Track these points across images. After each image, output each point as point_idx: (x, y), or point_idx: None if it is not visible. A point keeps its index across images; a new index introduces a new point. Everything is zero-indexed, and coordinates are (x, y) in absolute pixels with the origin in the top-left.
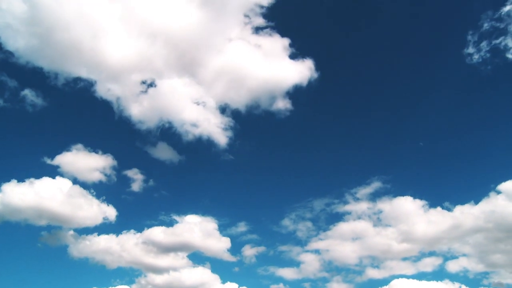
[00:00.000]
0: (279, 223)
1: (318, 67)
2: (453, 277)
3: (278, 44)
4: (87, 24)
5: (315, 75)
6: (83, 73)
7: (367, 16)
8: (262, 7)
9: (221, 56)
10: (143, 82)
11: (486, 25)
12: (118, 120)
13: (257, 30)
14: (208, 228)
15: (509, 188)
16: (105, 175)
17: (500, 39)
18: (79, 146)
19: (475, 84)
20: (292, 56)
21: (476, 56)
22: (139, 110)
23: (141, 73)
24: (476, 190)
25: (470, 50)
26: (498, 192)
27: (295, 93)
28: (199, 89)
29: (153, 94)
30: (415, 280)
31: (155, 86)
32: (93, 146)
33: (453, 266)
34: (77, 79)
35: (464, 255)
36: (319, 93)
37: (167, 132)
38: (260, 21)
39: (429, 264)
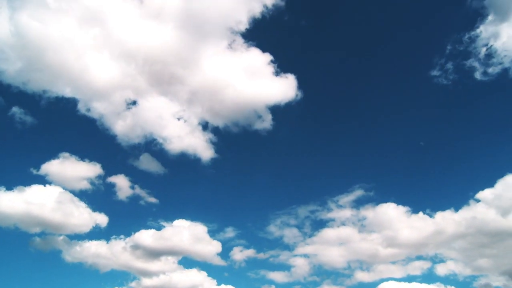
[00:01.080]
0: (265, 229)
1: (300, 83)
2: (442, 280)
3: (259, 61)
4: (71, 47)
5: (297, 91)
6: (69, 93)
7: (344, 37)
8: (242, 24)
9: (202, 73)
10: (126, 101)
11: (450, 48)
12: (103, 136)
13: (238, 47)
14: (198, 232)
15: (487, 197)
16: (93, 183)
17: (468, 61)
18: (67, 154)
19: (450, 99)
20: (274, 73)
21: (444, 79)
22: (123, 126)
23: (123, 92)
24: (456, 198)
25: (436, 72)
26: (477, 201)
27: (277, 108)
28: (181, 106)
29: (136, 112)
30: (405, 283)
31: (137, 104)
32: (81, 155)
33: (441, 270)
34: (63, 99)
35: (451, 259)
36: (301, 107)
37: (152, 147)
38: (241, 38)
39: (417, 267)
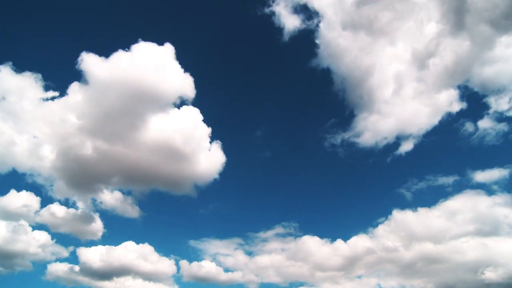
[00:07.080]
0: (202, 258)
1: (224, 149)
2: None
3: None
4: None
5: (222, 155)
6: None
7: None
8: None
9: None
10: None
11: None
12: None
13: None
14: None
15: (381, 232)
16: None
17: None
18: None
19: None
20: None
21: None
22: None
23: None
24: (363, 229)
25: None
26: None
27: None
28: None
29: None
30: None
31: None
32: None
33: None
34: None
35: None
36: (227, 168)
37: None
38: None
39: (364, 284)
